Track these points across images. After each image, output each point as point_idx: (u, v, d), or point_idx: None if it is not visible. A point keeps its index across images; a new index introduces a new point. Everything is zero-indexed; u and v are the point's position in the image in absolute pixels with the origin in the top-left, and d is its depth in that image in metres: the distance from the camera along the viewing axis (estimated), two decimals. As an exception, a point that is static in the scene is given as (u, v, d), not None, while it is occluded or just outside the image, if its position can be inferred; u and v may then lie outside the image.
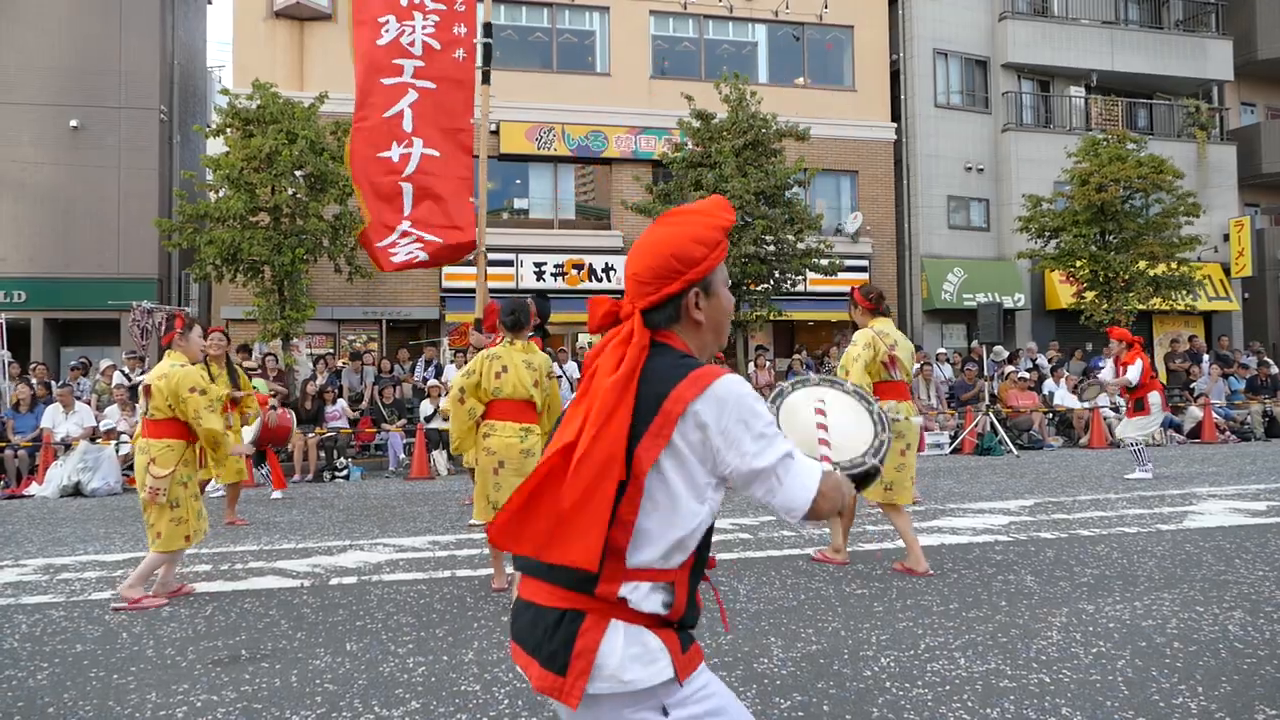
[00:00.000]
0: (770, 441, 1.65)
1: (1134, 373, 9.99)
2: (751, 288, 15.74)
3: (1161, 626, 4.22)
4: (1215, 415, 15.46)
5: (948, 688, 3.49)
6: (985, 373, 15.08)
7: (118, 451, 11.23)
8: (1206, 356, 18.17)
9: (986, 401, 14.10)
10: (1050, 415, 15.17)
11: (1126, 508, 7.89)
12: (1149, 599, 4.72)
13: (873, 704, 3.35)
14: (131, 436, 11.43)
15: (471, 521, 7.64)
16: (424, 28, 7.35)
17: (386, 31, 7.31)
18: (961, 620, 4.39)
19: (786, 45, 20.96)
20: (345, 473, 12.01)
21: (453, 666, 3.89)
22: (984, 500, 8.55)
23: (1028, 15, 22.61)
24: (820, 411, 2.23)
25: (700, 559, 1.70)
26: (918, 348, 17.20)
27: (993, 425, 13.56)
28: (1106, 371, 10.75)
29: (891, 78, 21.54)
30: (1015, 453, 13.15)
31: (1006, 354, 17.25)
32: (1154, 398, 10.01)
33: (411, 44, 7.33)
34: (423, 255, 7.23)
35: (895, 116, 21.51)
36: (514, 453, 5.03)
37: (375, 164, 7.22)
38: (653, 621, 1.62)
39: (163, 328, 5.43)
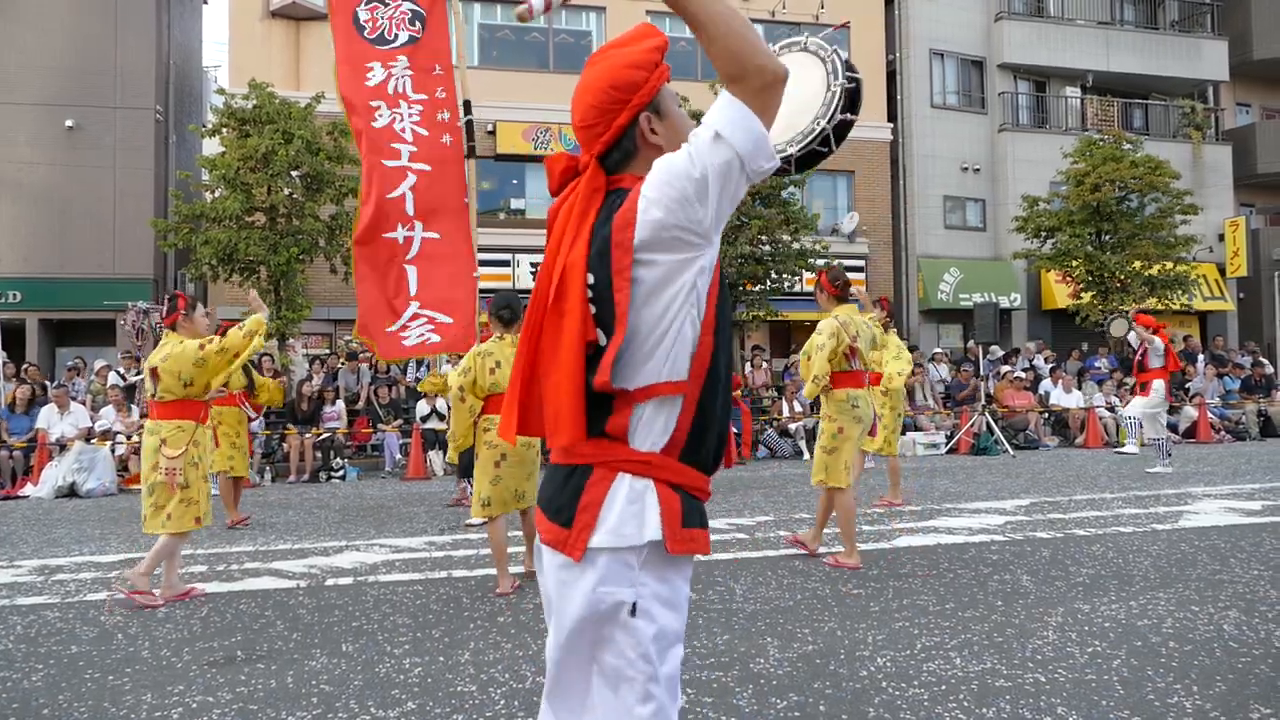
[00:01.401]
0: (696, 145, 1.53)
1: (1161, 344, 10.27)
2: (748, 288, 15.75)
3: (1157, 626, 4.23)
4: (1210, 415, 15.51)
5: (944, 687, 3.49)
6: (981, 373, 15.11)
7: (113, 452, 11.21)
8: (1201, 356, 18.22)
9: (982, 401, 14.12)
10: (1046, 415, 15.21)
11: (1122, 507, 7.90)
12: (1144, 598, 4.73)
13: (869, 704, 3.35)
14: (127, 437, 11.45)
15: (468, 522, 7.64)
16: (410, 116, 7.48)
17: (380, 116, 7.43)
18: (957, 620, 4.40)
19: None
20: (341, 473, 12.00)
21: (449, 667, 3.89)
22: (980, 500, 8.56)
23: (1024, 16, 22.65)
24: None
25: (713, 376, 1.64)
26: (913, 348, 17.22)
27: (989, 425, 13.59)
28: (1136, 332, 10.67)
29: (888, 78, 21.57)
30: (1011, 452, 13.17)
31: (1002, 354, 17.28)
32: (1158, 384, 10.27)
33: (403, 130, 7.47)
34: (435, 338, 7.27)
35: (892, 116, 21.54)
36: (515, 444, 5.05)
37: (383, 245, 7.29)
38: (659, 470, 1.60)
39: (165, 310, 5.47)
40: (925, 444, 13.67)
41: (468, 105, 7.87)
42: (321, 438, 12.24)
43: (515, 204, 19.40)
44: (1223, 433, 15.42)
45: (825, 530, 6.21)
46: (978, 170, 22.05)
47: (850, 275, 20.29)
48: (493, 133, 18.21)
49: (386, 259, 7.33)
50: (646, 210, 1.55)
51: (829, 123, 2.05)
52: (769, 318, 16.43)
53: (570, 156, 1.73)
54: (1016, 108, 22.66)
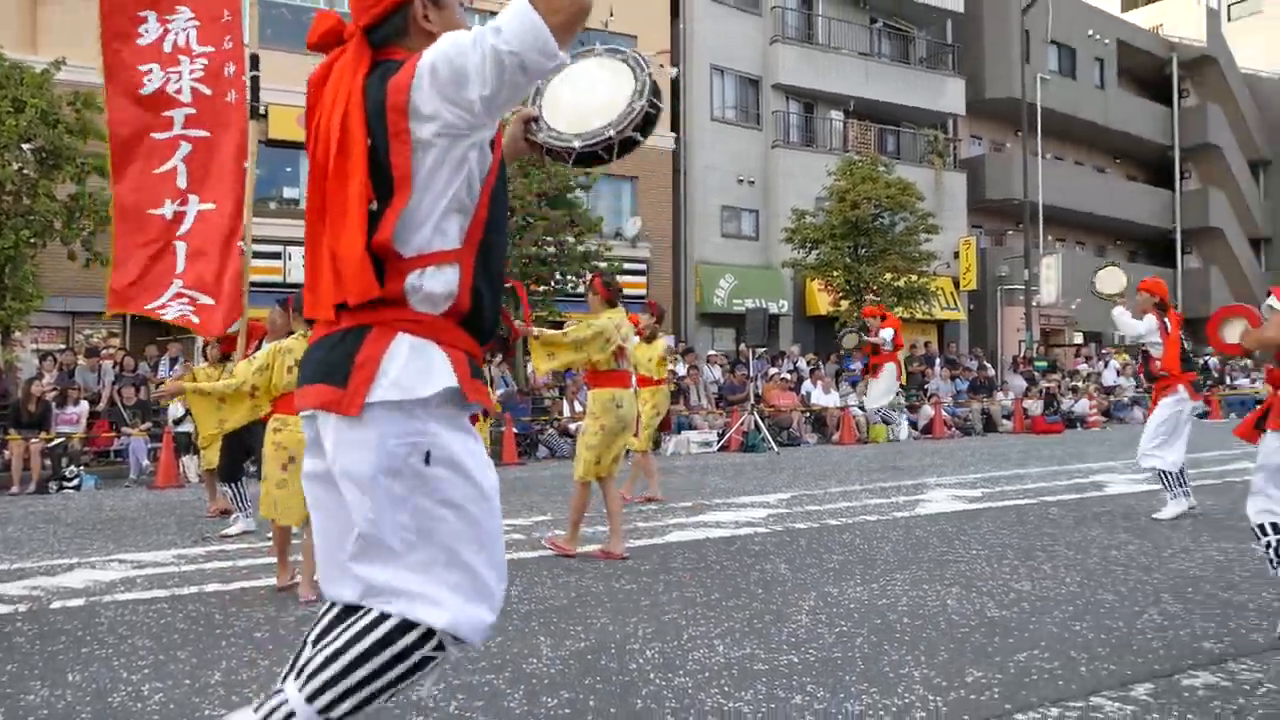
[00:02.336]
0: (479, 31, 1.57)
1: (886, 334, 11.19)
2: (532, 289, 15.76)
3: (894, 604, 4.64)
4: (944, 413, 17.30)
5: (706, 674, 3.65)
6: (751, 374, 15.96)
7: None
8: (938, 360, 20.29)
9: (751, 401, 14.93)
10: (807, 414, 16.33)
11: (869, 498, 8.63)
12: (885, 580, 5.18)
13: (637, 696, 3.43)
14: None
15: (224, 531, 7.10)
16: (192, 73, 6.74)
17: (150, 81, 6.65)
18: (722, 609, 4.61)
19: (571, 48, 21.13)
20: (76, 482, 10.78)
21: (196, 690, 3.58)
22: (746, 495, 9.04)
23: (796, 41, 24.20)
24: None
25: (486, 246, 1.66)
26: (689, 350, 17.95)
27: (757, 424, 14.39)
28: (876, 331, 11.84)
29: (672, 89, 22.33)
30: (776, 449, 14.02)
31: (770, 356, 18.39)
32: (889, 366, 11.21)
33: (179, 91, 6.70)
34: (195, 319, 6.62)
35: (675, 127, 22.31)
36: (305, 447, 4.84)
37: (147, 220, 6.55)
38: (440, 332, 1.60)
39: None
40: (699, 442, 14.27)
41: (255, 60, 7.20)
42: (53, 443, 10.92)
43: (289, 193, 18.26)
44: (953, 429, 17.25)
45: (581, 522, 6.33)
46: (752, 183, 23.30)
47: (633, 279, 20.75)
48: (265, 116, 17.00)
49: (153, 237, 6.62)
50: (424, 78, 1.55)
51: (618, 134, 2.10)
52: (553, 319, 16.49)
53: (339, 19, 1.69)
54: (788, 126, 24.17)
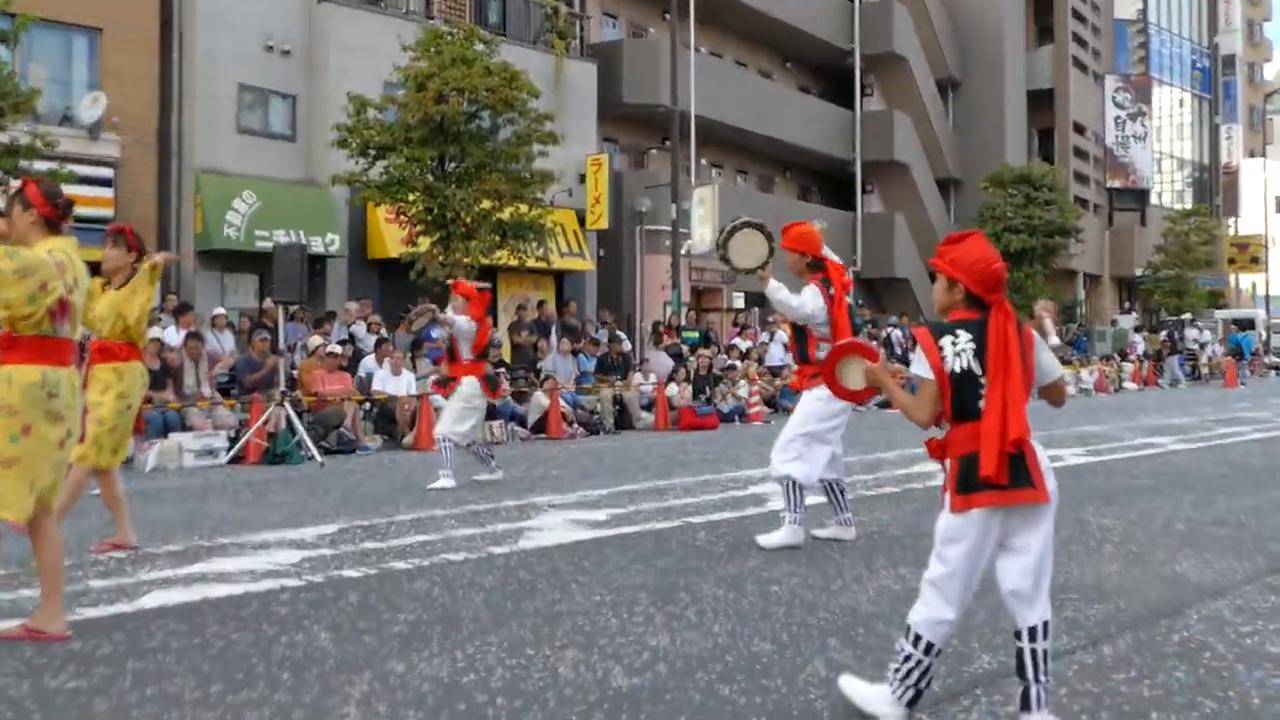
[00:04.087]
0: None
1: (464, 323, 10.92)
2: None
3: (485, 680, 4.80)
4: (563, 403, 18.18)
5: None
6: (283, 345, 15.55)
7: None
8: (555, 328, 21.26)
9: (282, 388, 14.55)
10: (368, 406, 16.30)
11: (455, 527, 8.84)
12: (473, 646, 5.34)
13: None
14: None
15: None
16: None
17: None
18: (226, 708, 4.46)
19: None
20: None
21: None
22: (271, 529, 8.84)
23: None
24: None
25: None
26: (187, 307, 17.08)
27: (290, 421, 14.07)
28: (449, 314, 11.65)
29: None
30: (319, 459, 13.84)
31: (314, 319, 18.09)
32: (468, 381, 11.17)
33: None
34: None
35: (161, -45, 20.98)
36: None
37: None
38: None
39: None
40: (198, 450, 13.66)
41: None
42: None
43: None
44: (576, 425, 18.23)
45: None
46: (287, 52, 22.64)
47: (90, 190, 19.35)
48: None
49: None
50: None
51: None
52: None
53: None
54: (343, -28, 23.79)
